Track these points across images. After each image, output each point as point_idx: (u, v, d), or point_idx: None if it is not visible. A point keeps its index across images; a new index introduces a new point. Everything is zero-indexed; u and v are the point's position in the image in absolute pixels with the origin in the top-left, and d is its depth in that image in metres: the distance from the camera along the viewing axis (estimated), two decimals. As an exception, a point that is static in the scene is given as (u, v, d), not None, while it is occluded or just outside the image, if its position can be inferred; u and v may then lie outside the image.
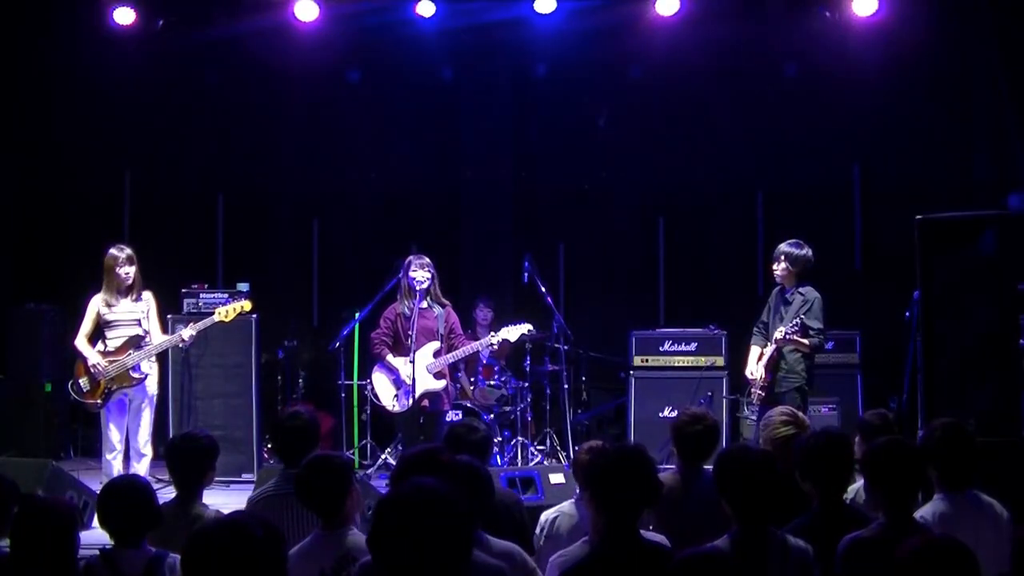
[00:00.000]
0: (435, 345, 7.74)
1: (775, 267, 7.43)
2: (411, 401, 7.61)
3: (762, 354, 7.41)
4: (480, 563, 3.18)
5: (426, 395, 7.63)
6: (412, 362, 7.44)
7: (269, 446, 9.69)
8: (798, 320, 7.14)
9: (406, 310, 7.75)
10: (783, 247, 7.43)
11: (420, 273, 7.63)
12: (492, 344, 8.01)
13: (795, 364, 7.28)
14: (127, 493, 3.91)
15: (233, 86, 10.63)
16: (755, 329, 7.68)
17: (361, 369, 9.59)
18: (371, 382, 8.00)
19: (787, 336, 7.12)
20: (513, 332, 8.00)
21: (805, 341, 7.17)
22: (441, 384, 7.74)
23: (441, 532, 2.66)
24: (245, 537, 2.81)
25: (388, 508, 2.73)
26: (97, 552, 3.78)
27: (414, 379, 7.43)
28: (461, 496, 2.81)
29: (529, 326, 8.17)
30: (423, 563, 2.63)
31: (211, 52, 10.37)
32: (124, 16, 9.79)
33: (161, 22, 10.04)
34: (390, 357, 7.87)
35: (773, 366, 7.27)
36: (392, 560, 2.66)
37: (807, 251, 7.42)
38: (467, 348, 7.87)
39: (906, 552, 2.69)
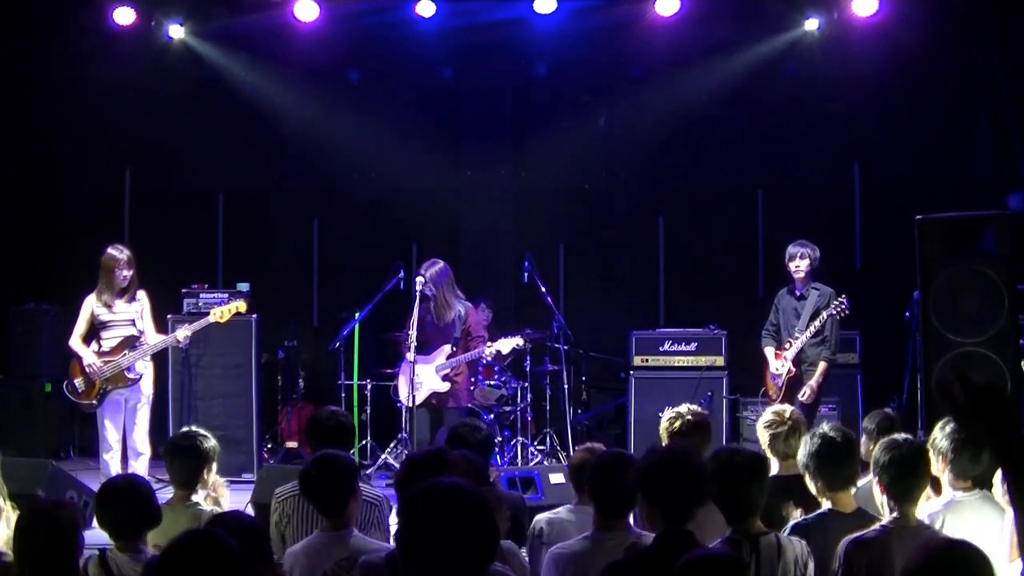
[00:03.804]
0: (448, 348, 7.88)
1: (796, 264, 7.73)
2: (412, 399, 7.82)
3: (778, 353, 7.70)
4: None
5: (433, 395, 7.86)
6: (413, 363, 7.61)
7: (269, 446, 9.72)
8: (819, 320, 7.54)
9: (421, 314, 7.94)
10: (802, 248, 7.68)
11: (417, 280, 7.78)
12: (484, 356, 8.09)
13: (815, 357, 7.62)
14: (125, 492, 3.90)
15: (233, 86, 10.62)
16: (764, 332, 7.96)
17: (361, 369, 9.60)
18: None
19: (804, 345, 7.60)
20: (506, 345, 8.11)
21: (824, 365, 7.62)
22: (446, 386, 7.88)
23: (472, 529, 2.65)
24: (218, 549, 2.80)
25: (420, 503, 2.71)
26: (96, 552, 3.78)
27: (413, 380, 7.55)
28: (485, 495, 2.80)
29: (519, 340, 8.24)
30: (452, 560, 2.62)
31: (212, 52, 10.37)
32: (124, 16, 9.79)
33: (161, 22, 10.05)
34: (409, 355, 8.00)
35: (797, 360, 7.62)
36: (421, 555, 2.65)
37: (811, 244, 7.77)
38: (464, 356, 7.98)
39: (920, 554, 2.68)
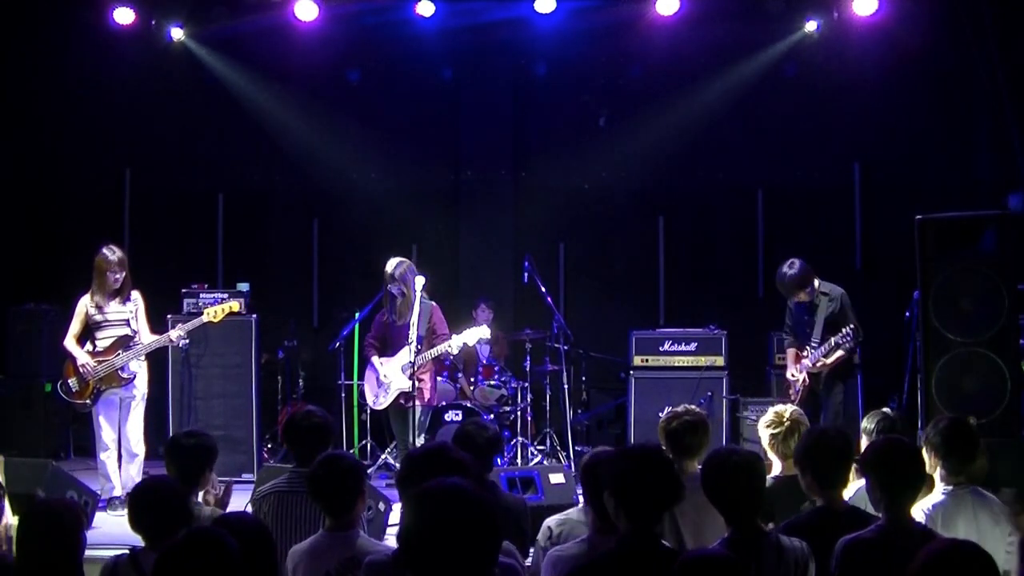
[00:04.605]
0: (413, 347, 7.88)
1: (798, 296, 7.69)
2: (386, 399, 8.09)
3: (798, 355, 7.72)
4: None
5: (402, 394, 7.91)
6: (412, 362, 7.62)
7: (269, 446, 9.72)
8: (830, 340, 7.46)
9: (395, 318, 8.12)
10: (789, 273, 7.63)
11: (393, 288, 7.98)
12: (450, 348, 8.07)
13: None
14: (158, 493, 3.91)
15: (233, 85, 10.63)
16: (784, 333, 8.02)
17: (361, 369, 9.60)
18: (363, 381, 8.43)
19: (816, 360, 7.54)
20: (471, 336, 8.12)
21: (842, 353, 7.48)
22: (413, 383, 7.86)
23: (474, 530, 2.65)
24: (218, 547, 2.80)
25: (423, 503, 2.71)
26: (127, 552, 3.80)
27: (414, 378, 7.55)
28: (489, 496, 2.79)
29: (485, 330, 8.29)
30: (454, 560, 2.61)
31: (211, 52, 10.38)
32: (124, 16, 9.79)
33: (161, 22, 10.06)
34: (375, 358, 8.22)
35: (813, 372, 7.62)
36: (423, 555, 2.64)
37: (797, 264, 7.65)
38: (432, 351, 7.98)
39: (925, 555, 2.68)
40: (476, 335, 8.15)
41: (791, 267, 7.64)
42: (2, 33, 10.11)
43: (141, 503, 3.88)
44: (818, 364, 7.53)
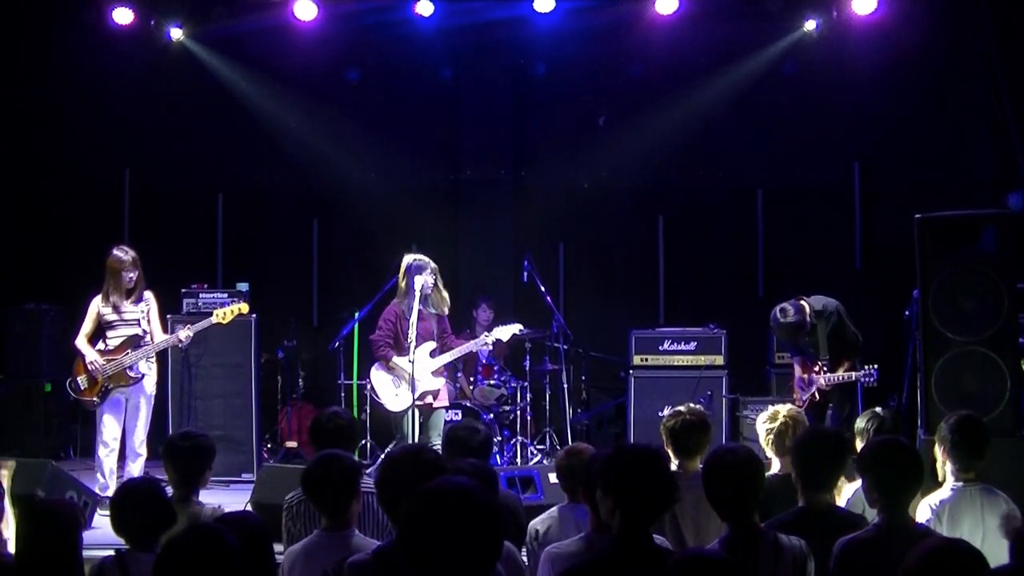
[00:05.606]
0: (431, 345, 7.90)
1: (802, 335, 7.68)
2: (412, 398, 7.72)
3: (807, 366, 7.75)
4: None
5: (427, 393, 7.80)
6: (411, 362, 7.56)
7: (268, 446, 9.72)
8: (851, 375, 7.52)
9: (406, 311, 7.82)
10: (787, 327, 7.63)
11: (423, 278, 7.72)
12: (486, 344, 8.08)
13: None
14: (143, 494, 3.90)
15: (233, 85, 10.63)
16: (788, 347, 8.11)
17: (361, 369, 9.60)
18: (370, 380, 8.13)
19: (831, 383, 7.57)
20: (505, 332, 8.13)
21: (843, 371, 7.55)
22: (440, 382, 7.91)
23: (478, 532, 2.65)
24: (219, 545, 2.81)
25: (429, 503, 2.71)
26: (112, 553, 3.79)
27: (414, 377, 7.53)
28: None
29: (519, 325, 8.28)
30: (456, 561, 2.61)
31: (211, 52, 10.39)
32: (123, 16, 9.79)
33: (160, 22, 10.06)
34: (395, 358, 7.97)
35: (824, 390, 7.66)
36: (424, 554, 2.64)
37: (791, 311, 7.60)
38: (461, 348, 7.97)
39: (917, 554, 2.69)
40: (509, 331, 8.14)
41: (784, 315, 7.58)
42: (2, 33, 10.11)
43: (123, 505, 3.88)
44: (831, 384, 7.55)
